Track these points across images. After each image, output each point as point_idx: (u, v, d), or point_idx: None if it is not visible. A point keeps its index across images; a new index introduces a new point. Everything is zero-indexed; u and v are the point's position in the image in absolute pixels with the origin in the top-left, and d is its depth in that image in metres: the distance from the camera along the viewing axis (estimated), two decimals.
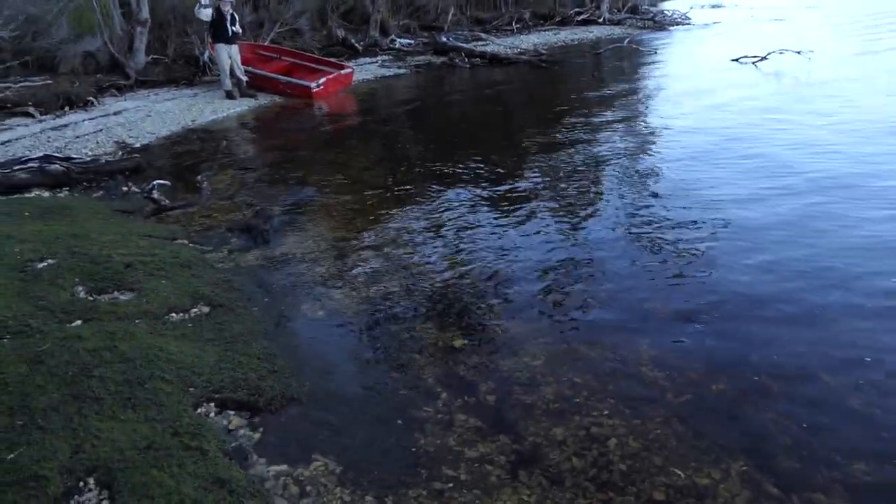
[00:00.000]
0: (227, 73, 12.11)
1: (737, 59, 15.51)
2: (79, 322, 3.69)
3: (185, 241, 5.40)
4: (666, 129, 9.17)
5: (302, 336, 3.95)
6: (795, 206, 5.90)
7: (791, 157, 7.49)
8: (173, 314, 3.97)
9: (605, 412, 3.19)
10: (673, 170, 7.15)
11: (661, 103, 11.31)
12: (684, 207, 5.95)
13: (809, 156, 7.50)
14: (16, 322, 3.56)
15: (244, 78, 12.39)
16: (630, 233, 5.46)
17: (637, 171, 7.26)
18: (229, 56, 12.01)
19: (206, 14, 11.63)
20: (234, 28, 11.85)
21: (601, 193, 6.52)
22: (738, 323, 3.99)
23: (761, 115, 9.77)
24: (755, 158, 7.47)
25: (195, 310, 4.05)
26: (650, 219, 5.74)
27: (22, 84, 9.65)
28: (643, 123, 9.81)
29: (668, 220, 5.68)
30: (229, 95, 12.18)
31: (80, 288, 4.13)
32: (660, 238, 5.30)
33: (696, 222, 5.57)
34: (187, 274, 4.52)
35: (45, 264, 4.37)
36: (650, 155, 7.94)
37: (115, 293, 4.14)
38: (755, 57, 15.29)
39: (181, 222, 6.00)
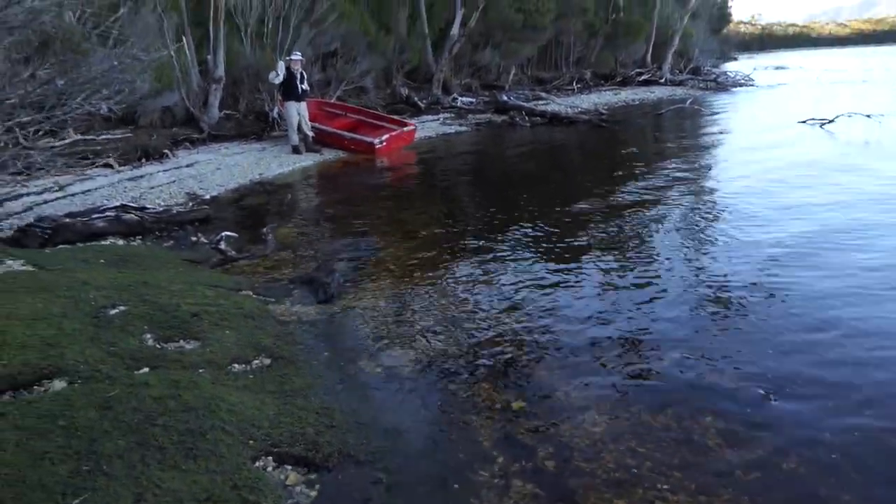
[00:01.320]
0: (295, 128, 12.55)
1: (804, 121, 15.29)
2: (146, 369, 3.78)
3: (250, 293, 5.52)
4: (730, 191, 9.03)
5: (360, 392, 3.95)
6: (867, 275, 5.70)
7: (861, 223, 7.26)
8: (236, 365, 4.03)
9: (669, 486, 3.07)
10: (736, 233, 7.01)
11: (725, 165, 11.17)
12: (748, 272, 5.81)
13: (878, 224, 7.24)
14: (87, 367, 3.67)
15: (310, 133, 12.81)
16: (693, 297, 5.35)
17: (699, 233, 7.16)
18: (298, 112, 12.48)
19: (278, 77, 12.14)
20: (303, 86, 12.35)
21: (662, 256, 6.43)
22: (811, 397, 3.82)
23: (829, 179, 9.54)
24: (823, 223, 7.27)
25: (257, 361, 4.11)
26: (713, 283, 5.62)
27: (105, 137, 10.16)
28: (705, 185, 9.69)
29: (731, 284, 5.55)
30: (296, 150, 12.58)
31: (149, 335, 4.25)
32: (723, 303, 5.18)
33: (760, 287, 5.43)
34: (251, 325, 4.61)
35: (117, 311, 4.52)
36: (712, 217, 7.82)
37: (182, 342, 4.24)
38: (823, 119, 15.04)
39: (246, 273, 6.16)
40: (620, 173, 10.55)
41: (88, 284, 4.98)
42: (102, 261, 6.02)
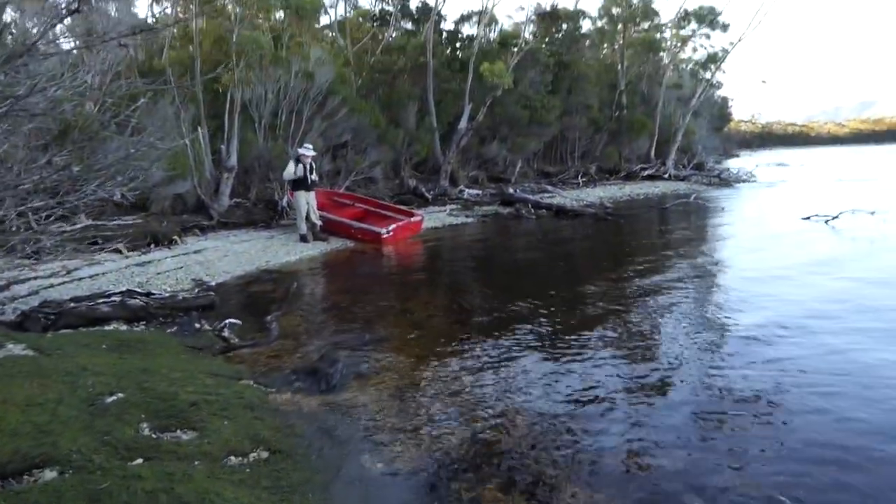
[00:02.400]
0: (304, 217, 12.71)
1: (808, 217, 15.40)
2: (140, 460, 3.66)
3: (251, 382, 5.43)
4: (738, 289, 8.90)
5: (359, 490, 3.81)
6: (882, 381, 5.58)
7: (872, 327, 7.11)
8: (232, 457, 3.91)
9: None
10: (742, 333, 6.85)
11: (732, 261, 11.15)
12: (754, 373, 5.68)
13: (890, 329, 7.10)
14: (80, 457, 3.56)
15: (318, 223, 12.96)
16: (700, 400, 5.21)
17: (706, 332, 7.02)
18: (307, 202, 12.66)
19: (295, 175, 12.43)
20: (312, 177, 12.59)
21: (669, 354, 6.30)
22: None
23: (837, 277, 9.49)
24: (832, 325, 7.14)
25: (254, 454, 3.98)
26: (721, 385, 5.47)
27: (116, 223, 10.29)
28: (713, 282, 9.64)
29: (737, 388, 5.40)
30: (303, 239, 12.69)
31: (146, 424, 4.14)
32: (731, 404, 5.05)
33: (767, 391, 5.29)
34: (249, 416, 4.50)
35: (115, 398, 4.43)
36: (721, 315, 7.69)
37: (178, 432, 4.13)
38: (827, 215, 15.16)
39: (248, 362, 6.07)
40: (626, 267, 10.54)
41: (87, 370, 4.91)
42: (104, 346, 5.96)
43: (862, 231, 13.69)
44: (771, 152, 64.55)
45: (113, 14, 13.70)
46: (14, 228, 7.04)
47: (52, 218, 8.04)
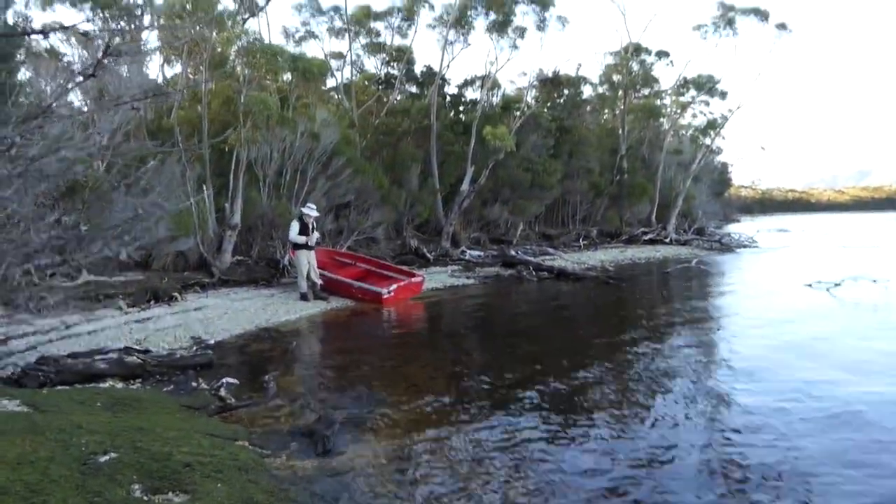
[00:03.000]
0: (305, 276, 12.72)
1: (810, 284, 15.39)
2: None
3: (246, 443, 5.34)
4: (741, 359, 8.67)
5: None
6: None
7: (879, 404, 6.84)
8: None
9: None
10: (746, 407, 6.62)
11: (734, 329, 10.95)
12: (758, 450, 5.52)
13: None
14: None
15: (319, 281, 12.97)
16: (707, 482, 5.07)
17: (710, 405, 6.78)
18: (307, 261, 12.70)
19: (310, 238, 12.63)
20: (314, 236, 12.67)
21: (672, 427, 6.13)
22: None
23: (843, 348, 9.37)
24: (839, 404, 6.84)
25: None
26: (727, 466, 5.30)
27: (117, 279, 10.31)
28: (714, 350, 9.46)
29: (742, 465, 5.26)
30: (304, 298, 12.68)
31: (137, 486, 4.06)
32: (739, 484, 4.94)
33: (776, 475, 5.15)
34: (243, 479, 4.41)
35: (108, 458, 4.35)
36: (724, 387, 7.41)
37: (171, 494, 4.04)
38: (829, 283, 15.15)
39: (244, 422, 5.98)
40: (628, 332, 10.45)
41: (82, 428, 4.84)
42: (99, 404, 5.90)
43: (865, 298, 13.66)
44: (771, 218, 64.95)
45: (125, 75, 14.00)
46: (17, 284, 7.05)
47: (55, 274, 8.07)
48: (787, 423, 6.06)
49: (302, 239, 12.52)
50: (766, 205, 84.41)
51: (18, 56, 9.90)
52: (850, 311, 12.58)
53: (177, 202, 9.87)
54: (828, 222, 56.11)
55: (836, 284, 15.02)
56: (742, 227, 41.95)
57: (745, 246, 29.21)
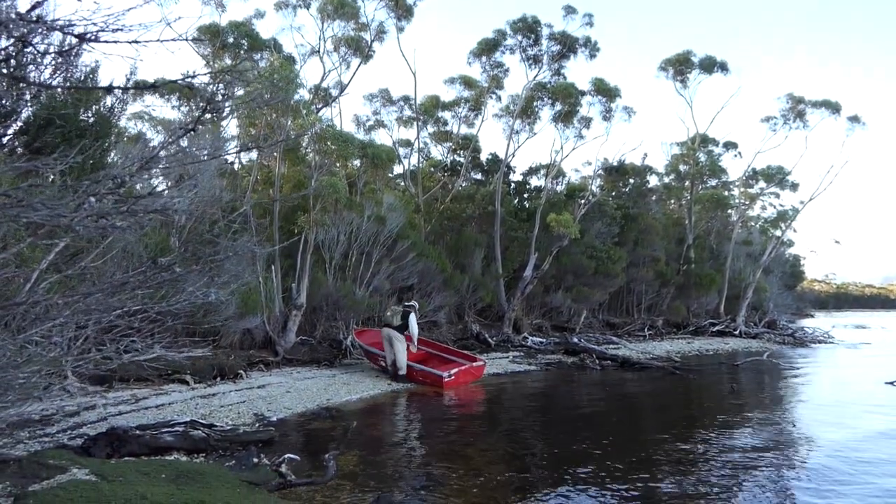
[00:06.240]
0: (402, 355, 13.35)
1: (891, 382, 14.59)
2: None
3: None
4: (818, 457, 8.19)
5: None
6: None
7: None
8: None
9: None
10: None
11: (810, 426, 10.26)
12: None
13: None
14: None
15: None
16: None
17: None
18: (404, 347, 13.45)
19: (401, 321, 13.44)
20: (399, 323, 13.43)
21: None
22: None
23: None
24: None
25: None
26: None
27: (186, 355, 10.57)
28: (785, 447, 8.84)
29: None
30: (397, 379, 13.27)
31: None
32: None
33: None
34: None
35: None
36: (797, 487, 7.01)
37: None
38: None
39: (303, 499, 5.95)
40: (695, 426, 10.00)
41: (146, 499, 4.90)
42: (164, 476, 5.96)
43: None
44: (847, 314, 62.35)
45: (203, 157, 14.76)
46: (92, 356, 7.30)
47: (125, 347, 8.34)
48: None
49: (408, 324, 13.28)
50: (842, 300, 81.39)
51: (112, 137, 10.61)
52: None
53: (245, 280, 10.16)
54: None
55: None
56: (816, 322, 40.35)
57: (820, 341, 28.03)
